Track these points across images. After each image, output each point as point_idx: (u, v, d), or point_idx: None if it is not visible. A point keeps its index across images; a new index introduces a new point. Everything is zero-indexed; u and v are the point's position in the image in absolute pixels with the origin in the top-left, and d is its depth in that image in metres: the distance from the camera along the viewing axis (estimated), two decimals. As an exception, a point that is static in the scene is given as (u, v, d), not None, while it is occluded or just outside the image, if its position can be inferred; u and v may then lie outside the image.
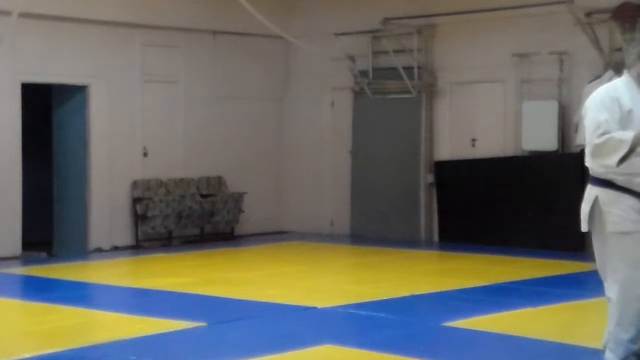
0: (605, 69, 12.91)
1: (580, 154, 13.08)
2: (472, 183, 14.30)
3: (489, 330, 8.08)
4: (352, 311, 9.04)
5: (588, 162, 5.98)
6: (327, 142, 15.97)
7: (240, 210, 15.30)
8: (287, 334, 8.04)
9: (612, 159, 5.78)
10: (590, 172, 6.03)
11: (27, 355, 7.19)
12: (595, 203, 6.01)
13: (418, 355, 7.14)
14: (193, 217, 14.64)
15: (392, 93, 15.04)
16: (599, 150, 5.85)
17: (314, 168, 16.07)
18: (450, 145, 14.70)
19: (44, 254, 13.49)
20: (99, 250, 13.91)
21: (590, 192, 6.04)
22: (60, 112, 14.21)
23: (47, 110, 14.38)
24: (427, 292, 10.15)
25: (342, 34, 15.10)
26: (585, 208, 6.09)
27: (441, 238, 14.60)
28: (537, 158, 13.73)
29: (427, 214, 14.80)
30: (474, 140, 14.50)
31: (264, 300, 9.57)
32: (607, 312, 6.00)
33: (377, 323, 8.50)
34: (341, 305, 9.27)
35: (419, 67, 14.80)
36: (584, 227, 6.14)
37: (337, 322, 8.82)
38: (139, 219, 14.26)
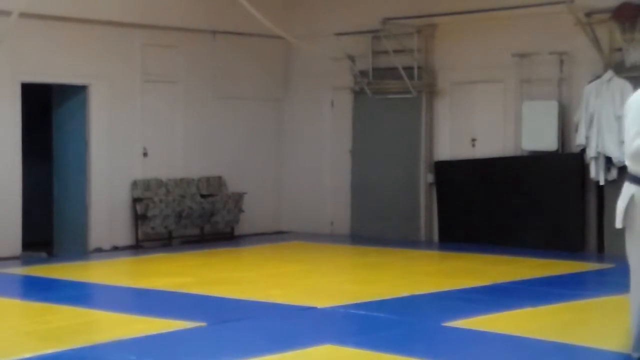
0: (605, 69, 12.92)
1: (581, 154, 13.16)
2: (472, 183, 14.29)
3: (489, 330, 8.08)
4: (352, 311, 9.04)
5: (627, 160, 5.99)
6: (327, 142, 15.98)
7: (240, 210, 15.30)
8: (287, 334, 8.04)
9: None
10: (629, 169, 6.04)
11: (27, 355, 7.18)
12: (631, 201, 6.01)
13: (418, 355, 7.14)
14: (193, 217, 14.64)
15: (392, 93, 15.04)
16: (637, 156, 5.84)
17: (314, 168, 16.07)
18: (450, 145, 14.70)
19: (44, 254, 13.48)
20: (99, 250, 13.91)
21: (628, 189, 6.05)
22: (60, 112, 14.21)
23: (47, 110, 14.38)
24: (427, 292, 10.15)
25: (342, 34, 15.11)
26: (621, 205, 6.10)
27: (441, 238, 14.59)
28: (537, 158, 13.73)
29: (427, 214, 14.80)
30: (474, 140, 14.50)
31: (264, 300, 9.57)
32: (630, 311, 5.97)
33: (377, 323, 8.50)
34: (341, 305, 9.27)
35: (419, 67, 14.81)
36: (618, 224, 6.14)
37: (337, 322, 8.82)
38: (139, 219, 14.27)
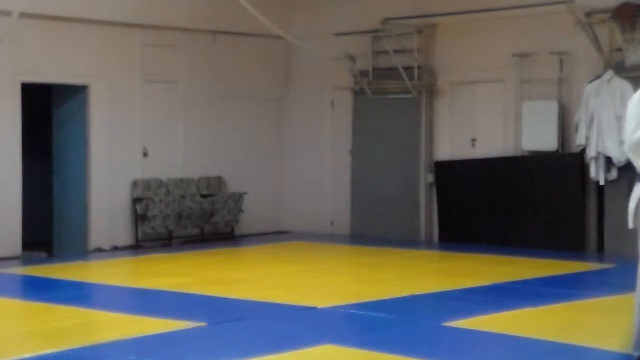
0: (605, 69, 12.92)
1: (581, 154, 13.16)
2: (472, 183, 14.29)
3: (489, 330, 8.08)
4: (352, 311, 9.04)
5: (634, 160, 6.03)
6: (327, 142, 15.97)
7: (240, 210, 15.30)
8: (287, 334, 8.04)
9: None
10: (637, 170, 6.07)
11: (27, 355, 7.19)
12: None
13: (418, 355, 7.14)
14: (193, 217, 14.64)
15: (392, 93, 15.04)
16: (636, 147, 5.89)
17: (314, 168, 16.06)
18: (450, 145, 14.70)
19: (44, 254, 13.48)
20: (99, 250, 13.91)
21: (637, 190, 6.08)
22: (60, 112, 14.20)
23: (47, 110, 14.38)
24: (427, 292, 10.14)
25: (342, 34, 15.10)
26: (631, 205, 6.13)
27: (441, 238, 14.59)
28: (537, 158, 13.73)
29: (427, 214, 14.80)
30: (474, 140, 14.50)
31: (264, 300, 9.57)
32: (635, 312, 5.95)
33: (377, 323, 8.50)
34: (341, 305, 9.27)
35: (419, 67, 14.81)
36: (630, 224, 6.17)
37: (337, 322, 8.82)
38: (139, 219, 14.26)
